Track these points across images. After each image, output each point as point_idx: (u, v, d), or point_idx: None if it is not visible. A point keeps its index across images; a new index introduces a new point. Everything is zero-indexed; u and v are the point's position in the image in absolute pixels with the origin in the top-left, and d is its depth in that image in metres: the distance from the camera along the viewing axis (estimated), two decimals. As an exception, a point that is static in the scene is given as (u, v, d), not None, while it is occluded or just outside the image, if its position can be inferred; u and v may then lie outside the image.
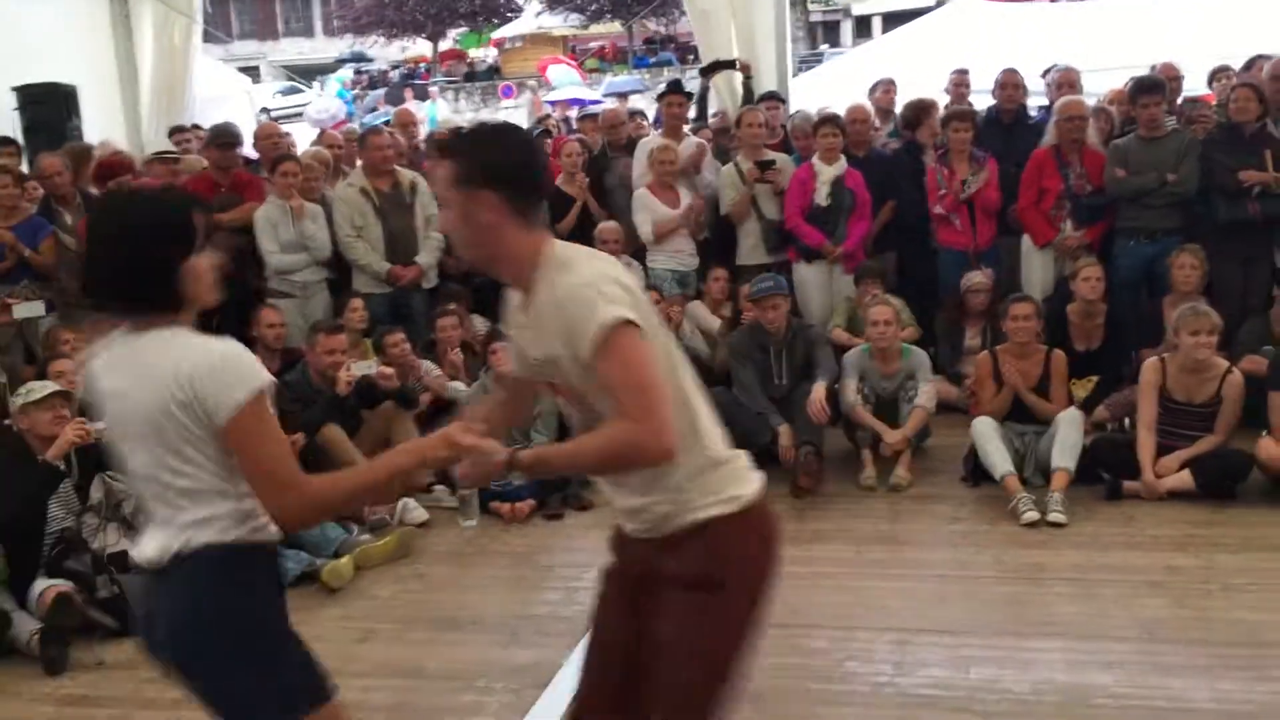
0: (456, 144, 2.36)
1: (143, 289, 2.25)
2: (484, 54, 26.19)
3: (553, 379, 2.40)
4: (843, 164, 7.12)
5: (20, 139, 8.27)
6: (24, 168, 7.45)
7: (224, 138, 7.37)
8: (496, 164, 2.30)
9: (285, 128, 9.50)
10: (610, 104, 15.95)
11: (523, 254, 2.32)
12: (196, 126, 9.07)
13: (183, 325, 2.29)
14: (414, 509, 5.67)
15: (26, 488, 4.69)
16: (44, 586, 4.52)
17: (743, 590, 2.37)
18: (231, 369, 2.21)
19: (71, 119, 8.76)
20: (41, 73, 8.71)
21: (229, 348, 2.25)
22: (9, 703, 4.09)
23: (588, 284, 2.21)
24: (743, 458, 2.47)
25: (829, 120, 7.26)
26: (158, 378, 2.20)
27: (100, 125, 9.22)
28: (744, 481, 2.42)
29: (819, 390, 5.85)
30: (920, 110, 7.65)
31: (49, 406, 4.77)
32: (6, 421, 4.98)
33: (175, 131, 8.97)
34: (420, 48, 45.34)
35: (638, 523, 2.42)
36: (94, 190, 7.08)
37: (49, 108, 8.65)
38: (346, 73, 23.46)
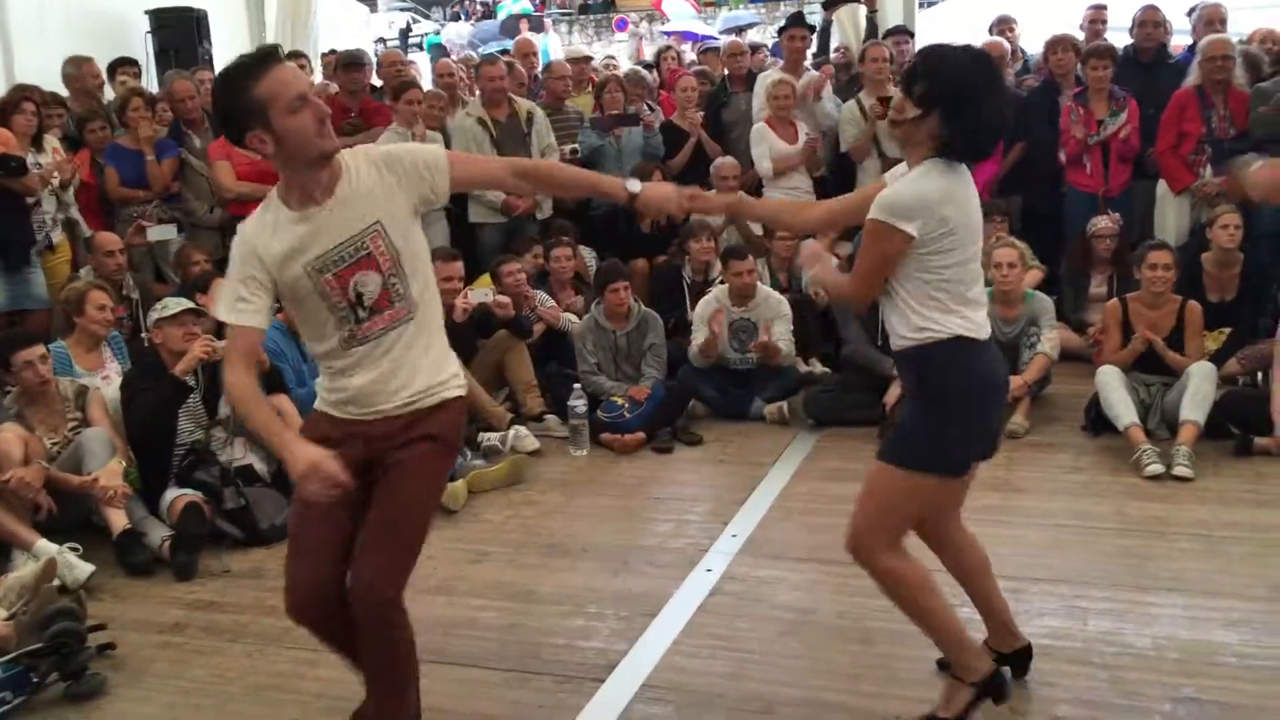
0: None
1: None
2: (599, -15, 25.81)
3: None
4: (971, 102, 6.89)
5: (153, 62, 8.46)
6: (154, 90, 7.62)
7: (351, 60, 7.45)
8: None
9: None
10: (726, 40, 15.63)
11: None
12: (333, 51, 9.16)
13: None
14: (525, 437, 5.74)
15: (158, 400, 4.85)
16: (174, 495, 4.71)
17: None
18: None
19: (202, 43, 8.94)
20: (173, -4, 8.87)
21: None
22: (142, 605, 4.28)
23: None
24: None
25: (959, 56, 7.01)
26: None
27: (228, 50, 9.37)
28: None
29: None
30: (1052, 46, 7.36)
31: (181, 323, 4.92)
32: (143, 336, 5.16)
33: (292, 57, 9.07)
34: (536, -22, 45.06)
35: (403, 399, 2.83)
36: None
37: (180, 31, 8.83)
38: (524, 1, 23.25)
